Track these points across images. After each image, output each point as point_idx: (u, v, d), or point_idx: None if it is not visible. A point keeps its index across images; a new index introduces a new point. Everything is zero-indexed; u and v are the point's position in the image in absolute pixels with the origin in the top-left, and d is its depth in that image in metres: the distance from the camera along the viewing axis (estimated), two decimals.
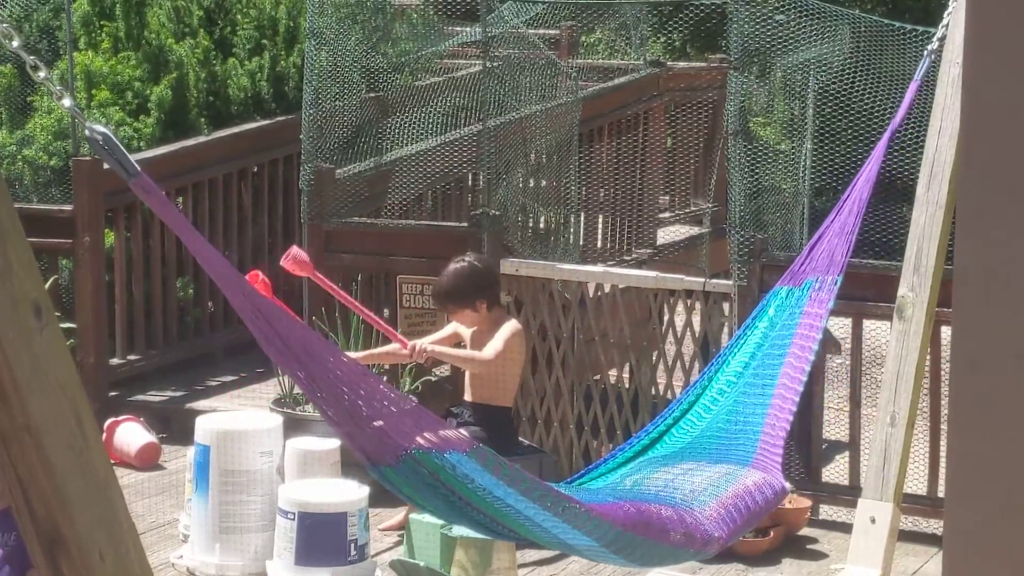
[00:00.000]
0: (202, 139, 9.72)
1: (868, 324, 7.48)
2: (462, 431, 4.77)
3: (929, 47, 5.39)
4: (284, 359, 3.31)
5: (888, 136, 5.31)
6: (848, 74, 8.09)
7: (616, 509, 4.13)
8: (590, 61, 12.43)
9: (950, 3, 5.24)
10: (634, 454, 5.04)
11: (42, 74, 2.86)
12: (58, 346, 2.50)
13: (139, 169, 2.94)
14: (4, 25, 2.65)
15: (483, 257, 7.09)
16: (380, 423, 3.46)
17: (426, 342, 6.47)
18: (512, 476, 3.75)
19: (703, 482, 4.67)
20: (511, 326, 6.58)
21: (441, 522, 6.13)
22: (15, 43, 2.74)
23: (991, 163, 1.85)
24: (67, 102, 2.89)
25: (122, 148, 2.90)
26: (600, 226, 10.46)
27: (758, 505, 4.67)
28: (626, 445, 5.13)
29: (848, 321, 7.42)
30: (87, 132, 2.89)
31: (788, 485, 4.89)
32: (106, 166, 8.54)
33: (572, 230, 9.70)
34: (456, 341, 6.70)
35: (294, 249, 6.27)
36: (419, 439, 3.55)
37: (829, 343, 7.52)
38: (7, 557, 3.85)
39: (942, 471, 7.14)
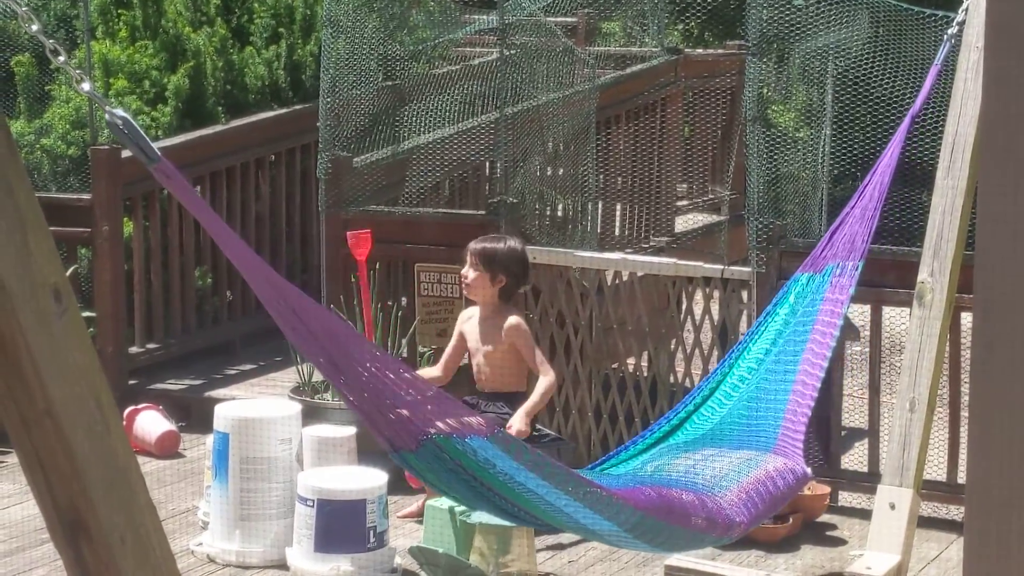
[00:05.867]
0: (219, 128, 9.72)
1: (887, 310, 7.45)
2: (483, 416, 4.77)
3: (949, 31, 5.37)
4: (306, 344, 3.28)
5: (908, 122, 5.29)
6: (867, 60, 8.06)
7: (638, 494, 4.12)
8: (607, 48, 12.40)
9: None
10: (655, 441, 5.04)
11: (62, 58, 2.85)
12: (78, 331, 2.49)
13: (160, 154, 2.93)
14: (24, 9, 2.65)
15: None
16: (401, 409, 3.45)
17: (518, 424, 6.46)
18: (534, 461, 3.74)
19: (725, 468, 4.66)
20: (517, 323, 6.67)
21: (460, 508, 6.14)
22: (35, 27, 2.74)
23: (1013, 146, 1.84)
24: (86, 86, 2.87)
25: (142, 133, 2.88)
26: (618, 214, 10.45)
27: (780, 491, 4.66)
28: (647, 432, 5.13)
29: (867, 307, 7.40)
30: (107, 117, 2.87)
31: (809, 471, 4.88)
32: (125, 154, 8.57)
33: (590, 218, 9.69)
34: (464, 347, 6.80)
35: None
36: (440, 424, 3.54)
37: (848, 330, 7.50)
38: None
39: (962, 457, 7.12)
